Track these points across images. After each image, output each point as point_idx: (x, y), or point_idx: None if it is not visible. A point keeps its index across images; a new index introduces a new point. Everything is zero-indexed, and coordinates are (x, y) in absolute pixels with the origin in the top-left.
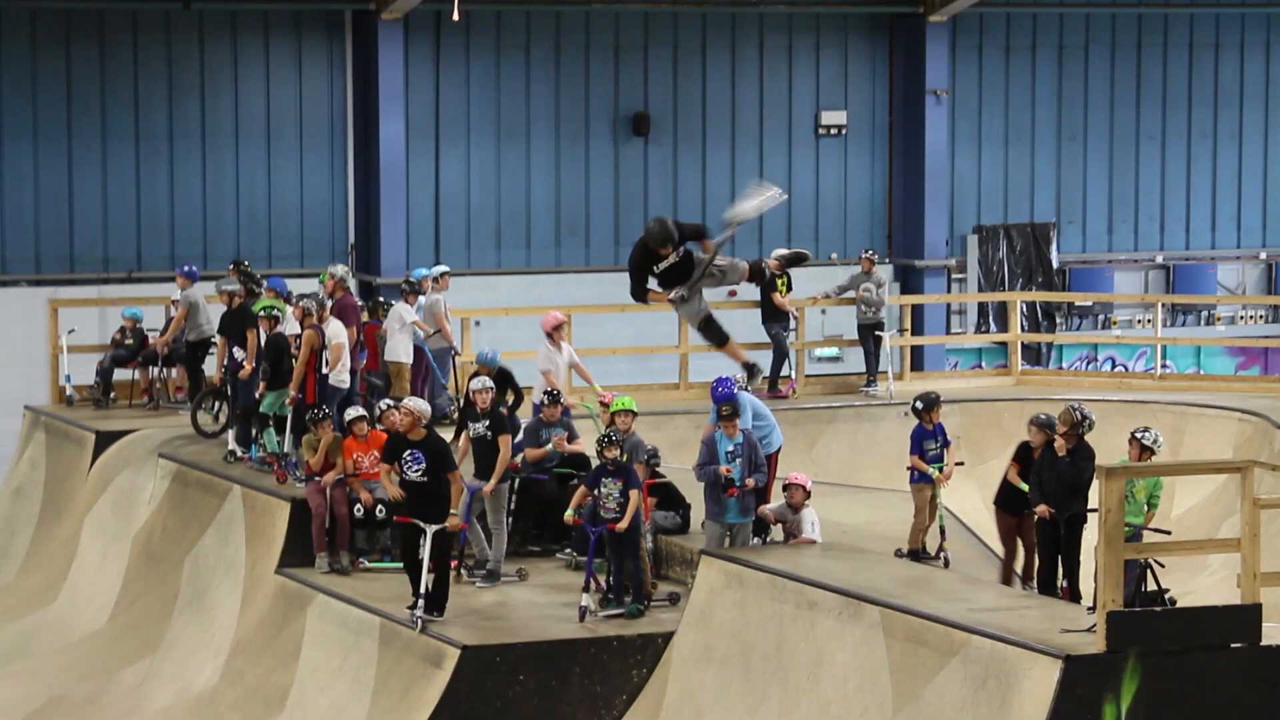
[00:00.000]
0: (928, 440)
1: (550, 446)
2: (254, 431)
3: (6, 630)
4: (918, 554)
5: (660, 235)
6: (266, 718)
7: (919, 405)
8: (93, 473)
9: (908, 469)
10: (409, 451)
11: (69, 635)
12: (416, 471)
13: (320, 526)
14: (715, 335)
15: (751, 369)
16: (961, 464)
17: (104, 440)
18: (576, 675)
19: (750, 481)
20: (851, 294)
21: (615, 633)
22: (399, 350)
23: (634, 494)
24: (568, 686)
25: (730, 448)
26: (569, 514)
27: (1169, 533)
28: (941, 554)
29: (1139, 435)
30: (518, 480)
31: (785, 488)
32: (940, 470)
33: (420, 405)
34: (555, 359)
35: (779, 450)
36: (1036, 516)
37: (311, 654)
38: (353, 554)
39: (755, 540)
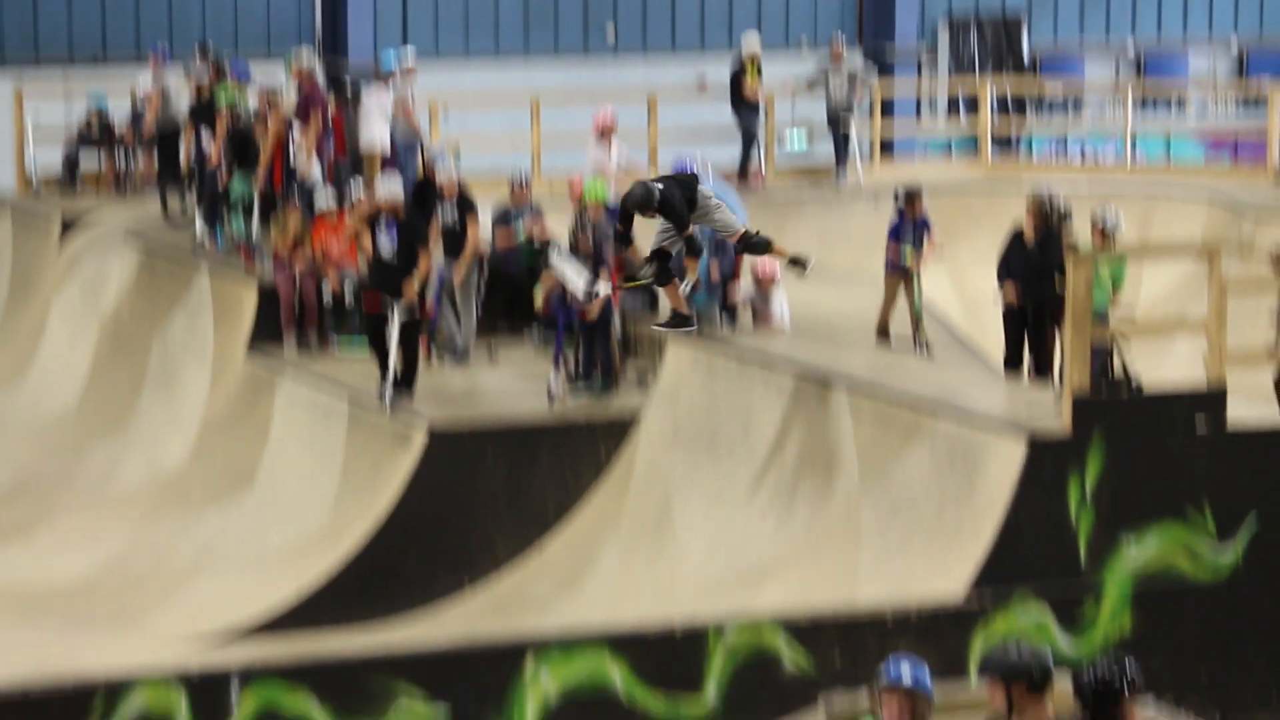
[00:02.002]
0: (906, 232)
1: (519, 231)
2: (222, 218)
3: None
4: (884, 331)
5: (641, 199)
6: (236, 496)
7: (900, 197)
8: (60, 257)
9: (887, 260)
10: (385, 220)
11: (38, 415)
12: (388, 249)
13: (289, 309)
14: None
15: (797, 261)
16: (941, 251)
17: (71, 224)
18: (544, 455)
19: (714, 269)
20: (821, 87)
21: (583, 414)
22: (374, 139)
23: (604, 277)
24: (536, 466)
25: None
26: (538, 299)
27: (1134, 315)
28: (920, 341)
29: (1097, 219)
30: (487, 263)
31: (754, 275)
32: (918, 252)
33: (394, 190)
34: (604, 161)
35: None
36: (1004, 302)
37: (280, 434)
38: (321, 336)
39: (724, 324)
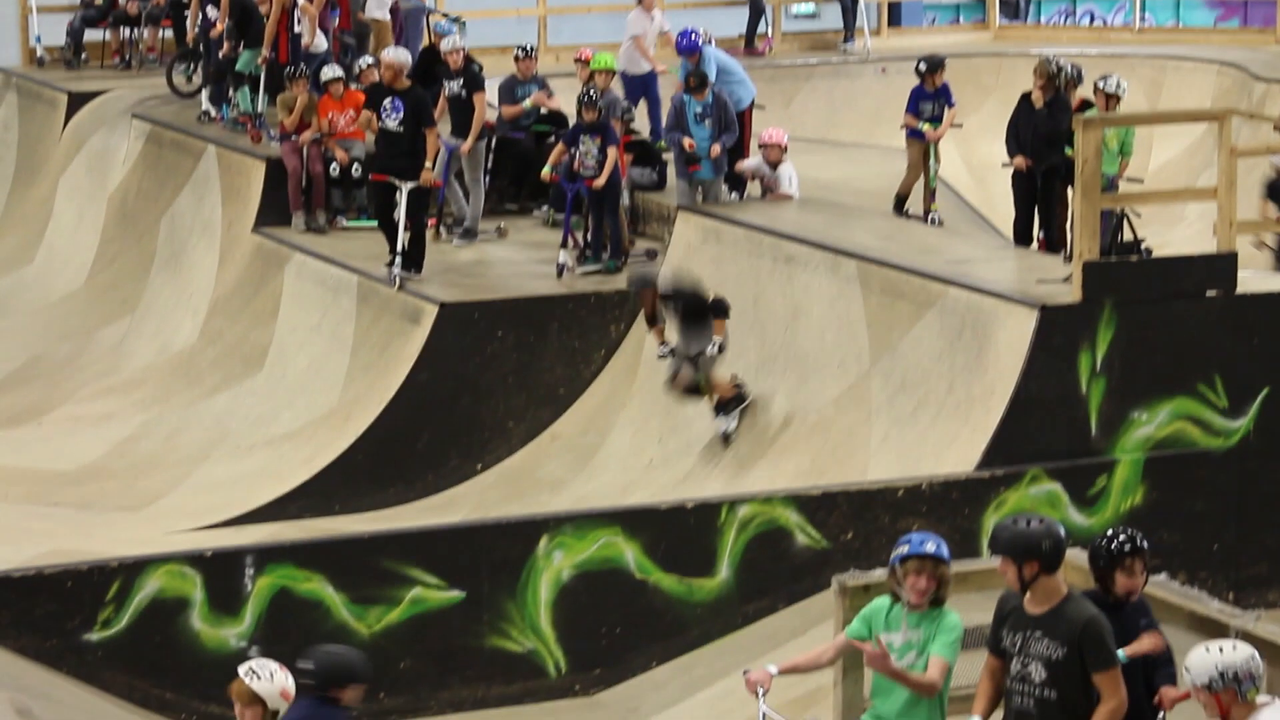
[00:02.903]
0: (925, 102)
1: (527, 103)
2: (228, 91)
3: None
4: (902, 201)
5: (638, 281)
6: (246, 375)
7: (922, 67)
8: (66, 134)
9: (902, 128)
10: (389, 99)
11: (47, 295)
12: (394, 121)
13: (296, 186)
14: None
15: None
16: (960, 125)
17: (77, 101)
18: (554, 330)
19: (715, 148)
20: None
21: (593, 288)
22: (376, 8)
23: (611, 151)
24: (546, 341)
25: (699, 109)
26: (546, 171)
27: (1141, 180)
28: (931, 214)
29: (1101, 84)
30: (495, 138)
31: (761, 145)
32: (934, 127)
33: (400, 56)
34: (646, 24)
35: (751, 106)
36: (1013, 169)
37: (290, 312)
38: (329, 213)
39: (732, 195)
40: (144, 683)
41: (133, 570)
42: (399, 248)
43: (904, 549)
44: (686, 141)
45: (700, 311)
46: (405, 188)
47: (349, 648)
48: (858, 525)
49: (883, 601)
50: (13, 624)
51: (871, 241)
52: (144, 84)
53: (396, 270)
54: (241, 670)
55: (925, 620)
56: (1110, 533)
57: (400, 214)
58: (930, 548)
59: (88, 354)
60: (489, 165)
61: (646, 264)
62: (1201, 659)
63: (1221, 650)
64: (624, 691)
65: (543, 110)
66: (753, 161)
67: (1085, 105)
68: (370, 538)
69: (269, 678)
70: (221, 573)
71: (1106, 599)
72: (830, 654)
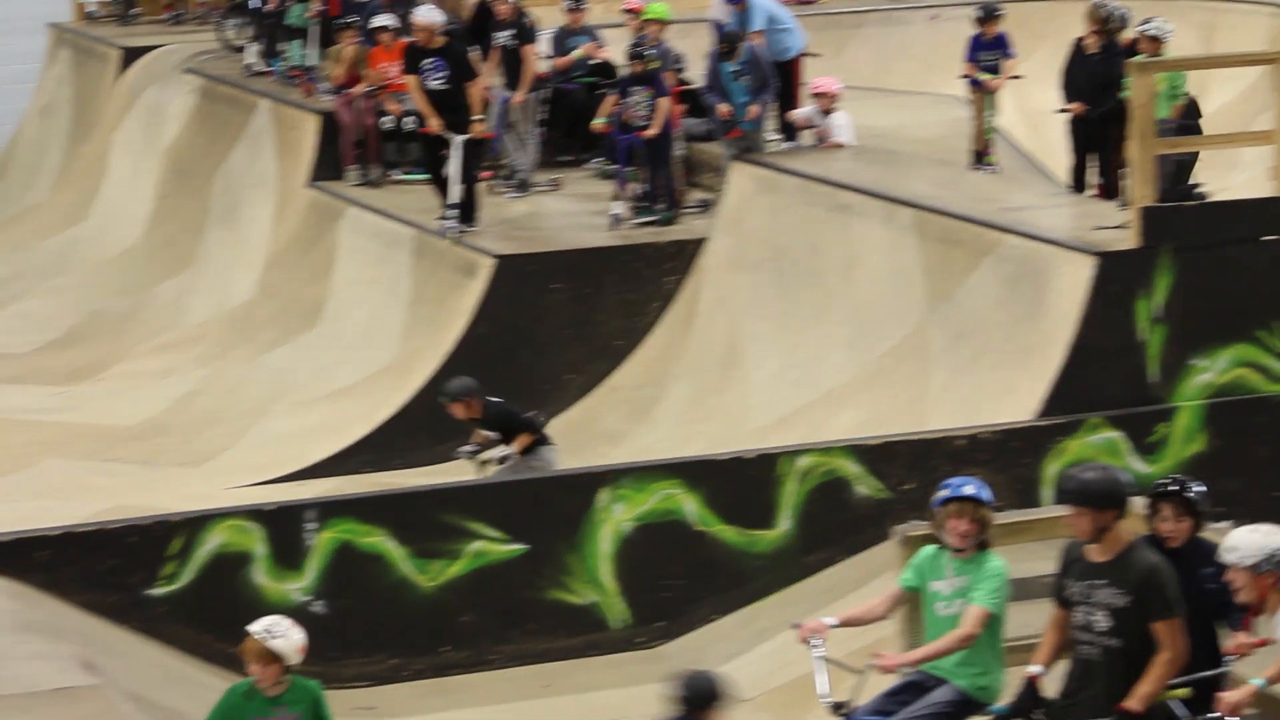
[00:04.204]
0: (984, 51)
1: (577, 54)
2: (279, 45)
3: (43, 247)
4: (981, 156)
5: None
6: (304, 330)
7: (979, 14)
8: (119, 89)
9: (962, 77)
10: (429, 60)
11: (104, 251)
12: (438, 80)
13: (350, 139)
14: None
15: None
16: (1021, 77)
17: (130, 56)
18: (610, 282)
19: (754, 109)
20: None
21: (648, 240)
22: None
23: (663, 101)
24: (602, 293)
25: (734, 67)
26: (598, 122)
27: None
28: (987, 164)
29: (1144, 29)
30: (550, 90)
31: (814, 93)
32: (993, 76)
33: (431, 16)
34: None
35: (801, 55)
36: (1069, 115)
37: (346, 266)
38: (383, 166)
39: (786, 144)
40: (207, 637)
41: (196, 525)
42: (453, 201)
43: (943, 493)
44: (722, 109)
45: (511, 427)
46: (457, 141)
47: (712, 672)
48: (918, 474)
49: (930, 549)
50: (77, 579)
51: (927, 189)
52: (195, 38)
53: (451, 223)
54: (257, 629)
55: (969, 566)
56: (1177, 479)
57: (452, 168)
58: (968, 490)
59: (145, 310)
60: (542, 117)
61: (464, 381)
62: (1250, 540)
63: (1269, 533)
64: (686, 644)
65: (592, 61)
66: (806, 110)
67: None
68: (432, 491)
69: (286, 634)
70: (284, 527)
71: (1163, 546)
72: (885, 606)
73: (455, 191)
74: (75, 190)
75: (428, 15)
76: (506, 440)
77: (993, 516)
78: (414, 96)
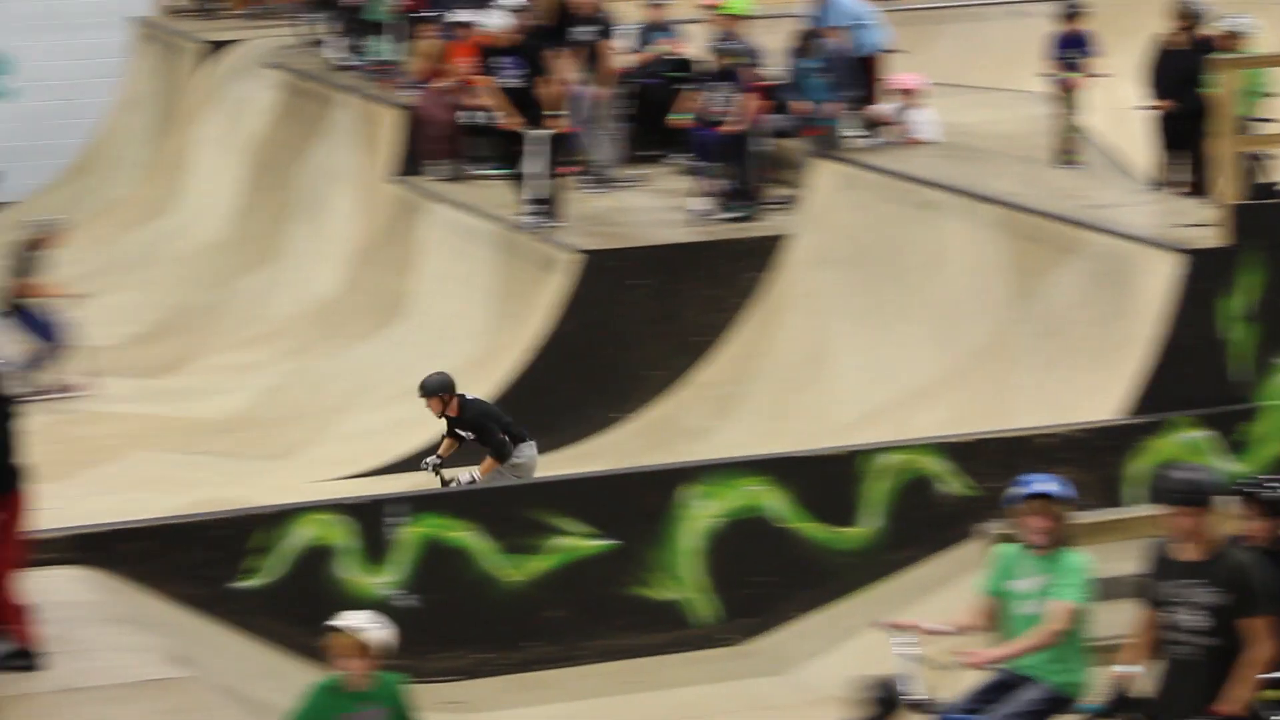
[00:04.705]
0: (1066, 48)
1: (656, 50)
2: (361, 39)
3: (127, 240)
4: (1065, 153)
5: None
6: (388, 324)
7: (1065, 11)
8: (203, 83)
9: (1045, 75)
10: (504, 58)
11: (188, 245)
12: (514, 78)
13: (431, 134)
14: None
15: None
16: (1106, 76)
17: (213, 50)
18: (692, 278)
19: (834, 107)
20: None
21: (728, 235)
22: None
23: (743, 97)
24: (683, 289)
25: (815, 65)
26: (678, 118)
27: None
28: (1071, 162)
29: (1223, 24)
30: (633, 85)
31: (896, 90)
32: (1077, 74)
33: (501, 19)
34: None
35: (883, 51)
36: (1154, 112)
37: (428, 261)
38: (464, 161)
39: (867, 141)
40: (295, 630)
41: (284, 518)
42: (533, 196)
43: (1020, 490)
44: (801, 105)
45: (484, 433)
46: (536, 136)
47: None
48: (1004, 472)
49: (1009, 548)
50: (166, 572)
51: (1010, 186)
52: (278, 32)
53: (534, 218)
54: (349, 624)
55: (1049, 563)
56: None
57: (532, 163)
58: (1044, 487)
59: (230, 303)
60: (624, 112)
61: (442, 376)
62: None
63: None
64: (772, 641)
65: (672, 56)
66: (889, 106)
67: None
68: (518, 487)
69: (380, 629)
70: (371, 521)
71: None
72: (972, 620)
73: (535, 187)
74: (159, 184)
75: (498, 18)
76: (480, 441)
77: (1071, 512)
78: (490, 95)
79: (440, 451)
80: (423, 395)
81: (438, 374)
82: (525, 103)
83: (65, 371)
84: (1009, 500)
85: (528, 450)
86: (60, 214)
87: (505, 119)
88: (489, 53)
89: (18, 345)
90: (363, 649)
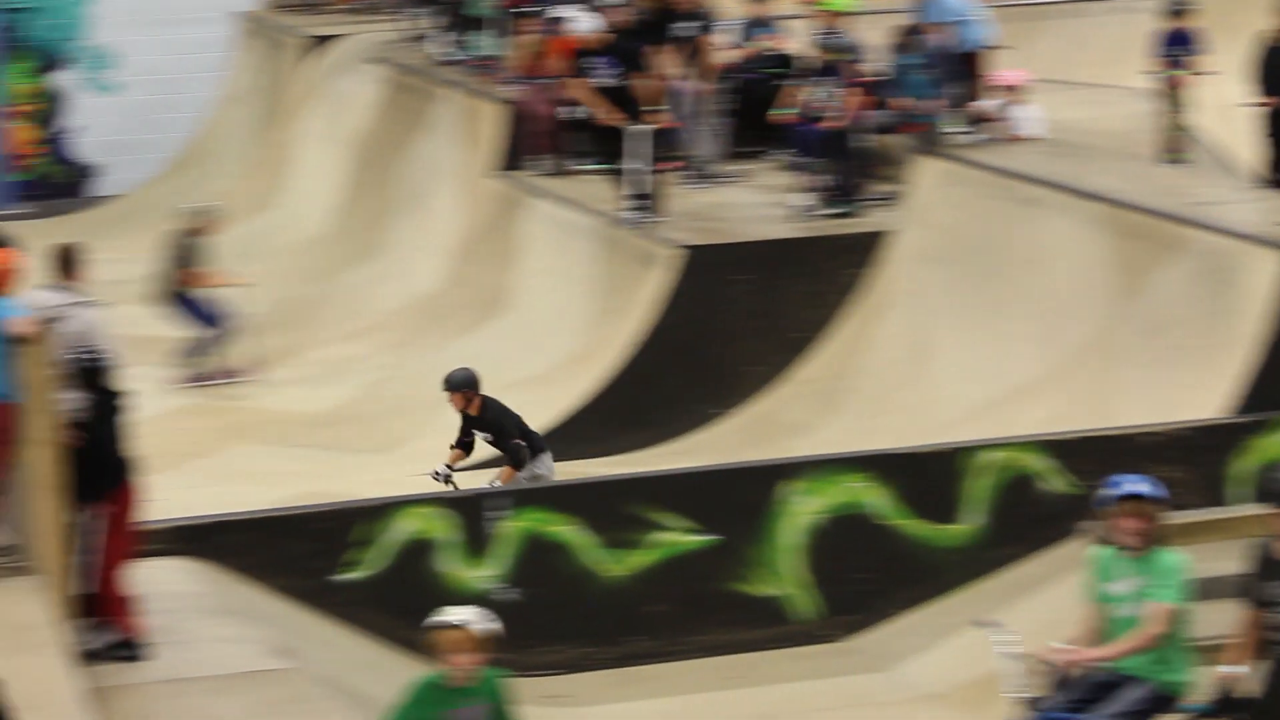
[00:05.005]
0: (1171, 45)
1: (758, 45)
2: (463, 35)
3: (232, 233)
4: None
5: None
6: (490, 318)
7: (1171, 8)
8: (307, 78)
9: (1150, 72)
10: (597, 59)
11: (292, 239)
12: (610, 76)
13: (533, 129)
14: None
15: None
16: (1214, 73)
17: (317, 45)
18: (793, 274)
19: (936, 103)
20: None
21: (832, 231)
22: None
23: (845, 93)
24: (785, 285)
25: (917, 61)
26: (778, 113)
27: None
28: (1176, 159)
29: None
30: (737, 81)
31: (999, 86)
32: (1181, 72)
33: (585, 25)
34: None
35: (987, 47)
36: (1261, 109)
37: (530, 255)
38: (565, 156)
39: (970, 137)
40: (397, 623)
41: (386, 511)
42: (636, 191)
43: (1112, 491)
44: (902, 102)
45: (501, 435)
46: (636, 132)
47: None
48: (1107, 471)
49: (1102, 551)
50: (269, 564)
51: (1114, 183)
52: (381, 27)
53: (636, 213)
54: (458, 619)
55: (1145, 564)
56: None
57: (632, 159)
58: (1136, 487)
59: (333, 297)
60: (725, 108)
61: (467, 371)
62: None
63: None
64: (874, 638)
65: (774, 52)
66: (992, 103)
67: None
68: (621, 481)
69: (488, 623)
70: (474, 515)
71: None
72: (1088, 633)
73: (636, 182)
74: (263, 178)
75: (587, 21)
76: (496, 443)
77: (1164, 513)
78: (585, 95)
79: (448, 461)
80: (446, 389)
81: (462, 369)
82: (623, 100)
83: (229, 358)
84: (1100, 502)
85: (546, 460)
86: (211, 202)
87: (605, 115)
88: (582, 54)
89: (182, 333)
90: (469, 644)
